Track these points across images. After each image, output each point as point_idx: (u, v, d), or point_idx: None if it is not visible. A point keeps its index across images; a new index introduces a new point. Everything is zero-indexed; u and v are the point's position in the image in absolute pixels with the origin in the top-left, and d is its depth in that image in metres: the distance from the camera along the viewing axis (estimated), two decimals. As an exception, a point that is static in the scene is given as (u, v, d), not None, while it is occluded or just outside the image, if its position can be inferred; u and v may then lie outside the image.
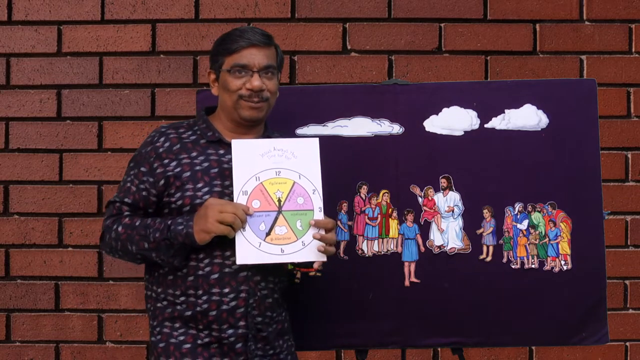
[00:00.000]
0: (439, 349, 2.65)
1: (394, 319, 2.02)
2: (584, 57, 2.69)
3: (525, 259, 2.04)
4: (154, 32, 2.69)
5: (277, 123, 1.92)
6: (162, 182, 1.73)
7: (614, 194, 2.67)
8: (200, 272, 1.70)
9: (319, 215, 1.71)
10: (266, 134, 1.85)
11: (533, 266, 2.04)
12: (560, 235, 2.04)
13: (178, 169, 1.73)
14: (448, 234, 2.04)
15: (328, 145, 2.02)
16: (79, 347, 2.67)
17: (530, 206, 2.04)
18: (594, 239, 2.04)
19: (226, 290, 1.70)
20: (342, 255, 2.03)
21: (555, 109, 2.05)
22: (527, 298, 2.03)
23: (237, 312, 1.70)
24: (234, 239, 1.65)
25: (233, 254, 1.67)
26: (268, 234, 1.67)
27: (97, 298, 2.67)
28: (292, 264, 1.75)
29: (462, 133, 2.05)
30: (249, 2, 2.69)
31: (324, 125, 2.05)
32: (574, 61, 2.69)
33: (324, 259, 1.71)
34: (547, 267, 2.04)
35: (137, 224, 1.71)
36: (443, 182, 2.04)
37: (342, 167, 2.03)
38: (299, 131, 2.03)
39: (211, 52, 1.84)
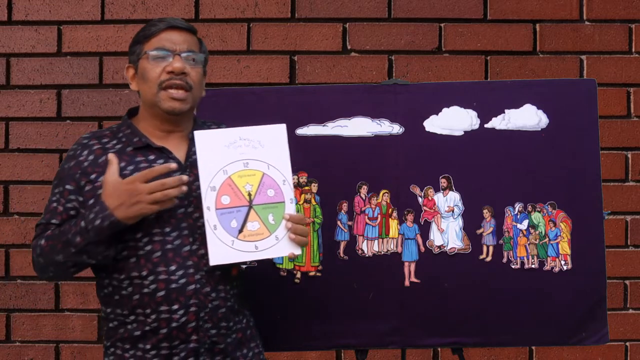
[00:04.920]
0: (439, 349, 2.65)
1: (394, 319, 2.02)
2: (584, 57, 2.69)
3: (525, 259, 2.04)
4: (154, 32, 2.68)
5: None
6: (92, 201, 1.60)
7: (614, 194, 2.67)
8: (146, 290, 1.60)
9: (291, 207, 1.64)
10: (197, 128, 1.71)
11: (533, 266, 2.04)
12: (560, 235, 2.04)
13: None
14: (448, 234, 2.04)
15: (328, 145, 2.03)
16: (79, 347, 2.67)
17: (530, 206, 2.04)
18: (594, 239, 2.04)
19: (175, 307, 1.60)
20: (342, 255, 2.03)
21: (555, 109, 2.05)
22: (527, 298, 2.03)
23: (188, 327, 1.61)
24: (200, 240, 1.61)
25: (178, 269, 1.60)
26: (240, 230, 1.59)
27: (97, 298, 2.66)
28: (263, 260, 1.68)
29: (462, 133, 2.05)
30: (249, 2, 2.69)
31: (324, 125, 2.05)
32: (574, 61, 2.69)
33: (299, 251, 1.65)
34: (547, 267, 2.04)
35: (57, 232, 1.60)
36: (443, 182, 2.04)
37: (342, 167, 2.03)
38: (299, 131, 2.03)
39: (129, 45, 1.71)
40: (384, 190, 2.04)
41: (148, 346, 1.62)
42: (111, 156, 1.57)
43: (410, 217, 2.04)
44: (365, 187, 2.04)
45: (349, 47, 2.69)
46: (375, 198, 2.04)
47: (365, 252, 2.03)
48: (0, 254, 2.68)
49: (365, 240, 2.04)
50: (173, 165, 1.55)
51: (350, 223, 2.04)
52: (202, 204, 1.59)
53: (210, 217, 1.59)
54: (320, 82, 2.65)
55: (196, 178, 1.62)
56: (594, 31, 2.70)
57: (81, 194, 1.63)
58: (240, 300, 1.75)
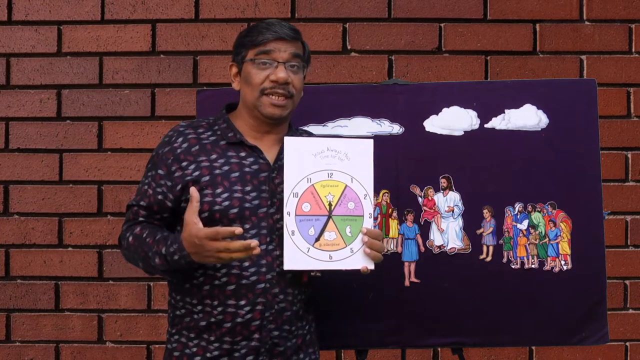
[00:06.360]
0: (439, 349, 2.65)
1: (394, 319, 2.02)
2: (584, 57, 2.69)
3: (525, 259, 2.04)
4: (154, 32, 2.69)
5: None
6: (179, 186, 1.66)
7: (614, 194, 2.67)
8: (217, 282, 1.65)
9: (369, 221, 1.66)
10: (290, 134, 1.77)
11: (533, 266, 2.04)
12: (560, 235, 2.04)
13: (197, 173, 1.65)
14: (448, 234, 2.04)
15: (328, 145, 2.03)
16: (79, 347, 2.67)
17: (530, 206, 2.04)
18: (594, 239, 2.04)
19: (242, 302, 1.64)
20: (342, 255, 2.03)
21: (555, 109, 2.05)
22: (526, 298, 2.03)
23: (252, 324, 1.64)
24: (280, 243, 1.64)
25: (251, 266, 1.63)
26: (317, 239, 1.62)
27: (97, 298, 2.67)
28: (339, 271, 1.67)
29: (462, 133, 2.05)
30: (249, 2, 2.69)
31: (324, 125, 2.05)
32: (574, 61, 2.69)
33: (372, 266, 1.66)
34: (547, 267, 2.04)
35: (144, 236, 1.66)
36: (443, 182, 2.04)
37: (342, 167, 2.03)
38: (299, 131, 2.03)
39: (235, 44, 1.76)
40: (384, 190, 2.04)
41: (212, 338, 1.66)
42: (193, 190, 1.59)
43: (410, 217, 2.04)
44: (365, 187, 2.03)
45: (349, 47, 2.69)
46: (375, 198, 2.03)
47: (365, 252, 2.03)
48: (0, 254, 2.68)
49: (365, 240, 2.03)
50: (238, 229, 1.52)
51: (350, 223, 2.04)
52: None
53: (289, 223, 1.62)
54: (320, 82, 2.65)
55: (282, 180, 1.65)
56: (594, 31, 2.70)
57: (171, 179, 1.68)
58: (307, 306, 1.77)
